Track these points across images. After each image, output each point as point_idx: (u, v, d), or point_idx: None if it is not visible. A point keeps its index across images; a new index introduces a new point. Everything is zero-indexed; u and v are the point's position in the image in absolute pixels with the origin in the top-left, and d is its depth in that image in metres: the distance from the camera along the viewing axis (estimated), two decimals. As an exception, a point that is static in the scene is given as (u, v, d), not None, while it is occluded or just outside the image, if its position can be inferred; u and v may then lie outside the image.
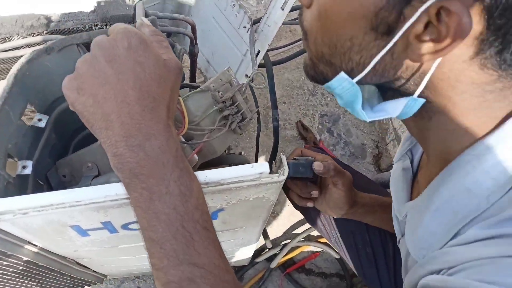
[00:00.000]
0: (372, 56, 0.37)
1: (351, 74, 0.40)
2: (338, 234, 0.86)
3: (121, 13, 0.66)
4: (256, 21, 0.90)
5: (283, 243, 1.32)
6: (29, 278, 0.72)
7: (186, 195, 0.40)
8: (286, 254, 1.28)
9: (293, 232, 1.37)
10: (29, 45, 0.65)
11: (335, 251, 1.27)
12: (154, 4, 1.01)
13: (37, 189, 0.65)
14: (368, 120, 0.43)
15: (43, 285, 0.80)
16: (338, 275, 1.31)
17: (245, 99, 0.66)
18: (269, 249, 1.27)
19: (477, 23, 0.31)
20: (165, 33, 0.76)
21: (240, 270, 1.27)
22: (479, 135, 0.39)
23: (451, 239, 0.42)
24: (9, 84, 0.57)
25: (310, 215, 0.91)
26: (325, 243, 1.30)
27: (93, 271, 0.96)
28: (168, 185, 0.39)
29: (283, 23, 0.84)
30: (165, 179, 0.39)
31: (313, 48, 0.43)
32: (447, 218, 0.42)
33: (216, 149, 0.64)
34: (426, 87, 0.38)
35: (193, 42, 0.77)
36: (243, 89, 0.66)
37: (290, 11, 0.80)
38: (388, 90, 0.43)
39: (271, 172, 0.52)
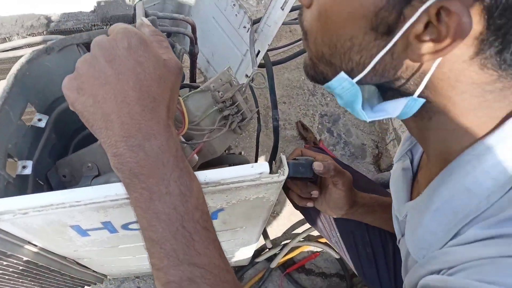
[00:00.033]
0: (372, 56, 0.37)
1: (351, 74, 0.40)
2: (338, 234, 0.86)
3: (121, 13, 0.66)
4: (256, 21, 0.90)
5: (283, 243, 1.32)
6: (29, 278, 0.72)
7: (186, 195, 0.40)
8: (286, 254, 1.28)
9: (293, 232, 1.37)
10: (29, 45, 0.65)
11: (335, 251, 1.27)
12: (154, 4, 1.01)
13: (37, 189, 0.65)
14: (368, 120, 0.43)
15: (43, 285, 0.80)
16: (338, 275, 1.31)
17: (245, 99, 0.66)
18: (269, 249, 1.27)
19: (477, 23, 0.31)
20: (165, 33, 0.76)
21: (240, 270, 1.27)
22: (479, 135, 0.39)
23: (451, 239, 0.42)
24: (9, 84, 0.57)
25: (310, 215, 0.91)
26: (325, 243, 1.30)
27: (93, 271, 0.96)
28: (168, 185, 0.39)
29: (283, 23, 0.84)
30: (165, 179, 0.39)
31: (313, 48, 0.43)
32: (447, 218, 0.42)
33: (216, 149, 0.64)
34: (426, 87, 0.38)
35: (193, 42, 0.77)
36: (243, 89, 0.66)
37: (290, 11, 0.80)
38: (388, 90, 0.43)
39: (271, 172, 0.52)
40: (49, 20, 0.66)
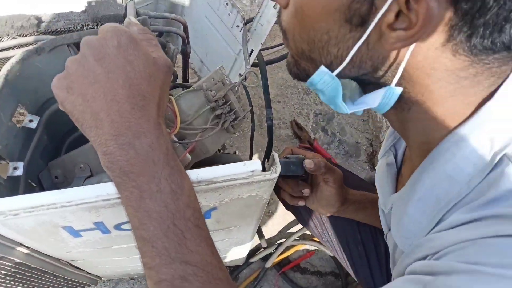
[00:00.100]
0: (348, 48, 0.38)
1: (331, 68, 0.41)
2: (329, 233, 0.87)
3: (112, 13, 0.66)
4: (249, 21, 0.90)
5: (278, 242, 1.32)
6: (22, 281, 0.72)
7: (177, 193, 0.39)
8: (281, 253, 1.28)
9: (288, 231, 1.37)
10: (19, 46, 0.65)
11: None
12: (147, 4, 1.00)
13: (29, 190, 0.65)
14: (349, 111, 0.44)
15: None
16: (333, 273, 1.32)
17: (238, 98, 0.66)
18: (264, 248, 1.27)
19: (446, 9, 0.32)
20: (157, 32, 0.76)
21: (235, 270, 1.27)
22: (457, 122, 0.40)
23: (434, 226, 0.42)
24: (-1, 85, 0.56)
25: (302, 216, 0.91)
26: (319, 242, 1.30)
27: (87, 272, 0.96)
28: (159, 183, 0.39)
29: (276, 22, 0.84)
30: (156, 177, 0.39)
31: (293, 46, 0.44)
32: (430, 206, 0.43)
33: (209, 148, 0.64)
34: (403, 77, 0.39)
35: (185, 41, 0.76)
36: (236, 88, 0.66)
37: (282, 10, 0.80)
38: (368, 85, 0.44)
39: (263, 170, 0.52)
40: (39, 20, 0.65)
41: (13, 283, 0.71)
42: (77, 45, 0.62)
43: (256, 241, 1.26)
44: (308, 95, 1.68)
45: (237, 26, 0.93)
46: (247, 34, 0.88)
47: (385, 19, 0.34)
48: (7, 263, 0.62)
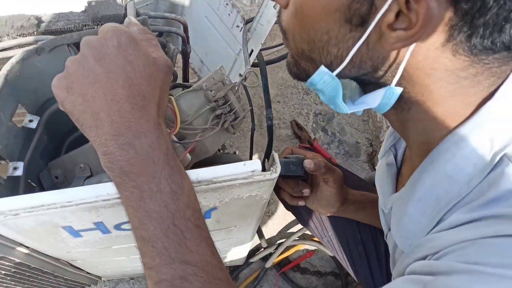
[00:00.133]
0: (348, 48, 0.38)
1: (331, 68, 0.41)
2: (329, 233, 0.87)
3: (112, 13, 0.66)
4: (249, 21, 0.90)
5: (278, 242, 1.32)
6: (22, 281, 0.72)
7: (177, 193, 0.39)
8: (281, 253, 1.28)
9: (288, 231, 1.37)
10: (19, 46, 0.65)
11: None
12: (147, 4, 1.00)
13: (29, 190, 0.65)
14: (349, 111, 0.44)
15: None
16: (333, 273, 1.32)
17: (237, 98, 0.66)
18: (264, 248, 1.27)
19: (445, 9, 0.32)
20: (157, 32, 0.76)
21: (235, 270, 1.27)
22: (457, 122, 0.40)
23: (434, 226, 0.42)
24: (-1, 85, 0.56)
25: (302, 216, 0.91)
26: (319, 242, 1.30)
27: (87, 272, 0.96)
28: (159, 183, 0.39)
29: (276, 22, 0.84)
30: (156, 177, 0.39)
31: (293, 46, 0.44)
32: (430, 206, 0.43)
33: (209, 148, 0.64)
34: (403, 77, 0.39)
35: (185, 41, 0.76)
36: (236, 88, 0.66)
37: (282, 10, 0.80)
38: (368, 85, 0.44)
39: (263, 170, 0.52)
40: (39, 20, 0.65)
41: (13, 283, 0.71)
42: (77, 45, 0.62)
43: (256, 241, 1.26)
44: (308, 95, 1.68)
45: (237, 26, 0.93)
46: (247, 34, 0.88)
47: (385, 19, 0.34)
48: (7, 263, 0.62)
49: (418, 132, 0.45)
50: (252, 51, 0.89)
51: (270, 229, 1.36)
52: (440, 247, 0.38)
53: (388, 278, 0.80)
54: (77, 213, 0.50)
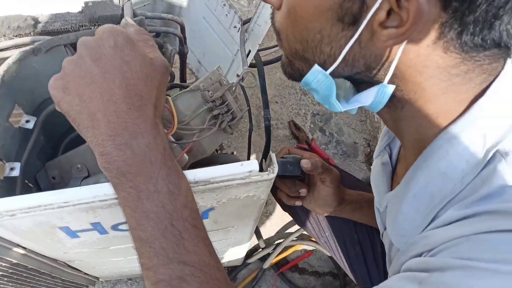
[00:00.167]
0: (341, 46, 0.39)
1: (324, 67, 0.41)
2: (326, 234, 0.87)
3: (109, 14, 0.66)
4: (246, 21, 0.90)
5: (276, 242, 1.32)
6: (19, 282, 0.72)
7: (175, 193, 0.40)
8: (279, 254, 1.28)
9: (286, 231, 1.37)
10: (16, 46, 0.65)
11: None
12: (144, 5, 1.00)
13: (26, 191, 0.65)
14: (343, 109, 0.45)
15: (33, 288, 0.80)
16: (331, 273, 1.32)
17: (235, 99, 0.66)
18: (262, 248, 1.27)
19: (435, 6, 0.32)
20: (154, 33, 0.76)
21: (233, 270, 1.27)
22: (450, 119, 0.40)
23: (429, 223, 0.43)
24: (-5, 85, 0.56)
25: (299, 216, 0.91)
26: (317, 242, 1.30)
27: (85, 273, 0.96)
28: (156, 183, 0.39)
29: (273, 23, 0.84)
30: (153, 177, 0.39)
31: (287, 46, 0.44)
32: (425, 203, 0.43)
33: (206, 148, 0.64)
34: (395, 75, 0.39)
35: (182, 41, 0.76)
36: (233, 88, 0.66)
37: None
38: (362, 84, 0.44)
39: (261, 170, 0.52)
40: (36, 21, 0.65)
41: (10, 284, 0.70)
42: (74, 46, 0.62)
43: (254, 241, 1.26)
44: (306, 96, 1.68)
45: (235, 27, 0.93)
46: (245, 34, 0.88)
47: (376, 18, 0.34)
48: (4, 264, 0.62)
49: (412, 130, 0.45)
50: (249, 51, 0.89)
51: (268, 230, 1.36)
52: (435, 244, 0.38)
53: (385, 278, 0.80)
54: (74, 213, 0.50)
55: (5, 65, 0.58)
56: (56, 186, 0.69)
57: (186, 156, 0.59)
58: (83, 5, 0.68)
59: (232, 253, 1.03)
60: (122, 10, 0.68)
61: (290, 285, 1.27)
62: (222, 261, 1.11)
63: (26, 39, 0.65)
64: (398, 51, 0.36)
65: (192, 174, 0.49)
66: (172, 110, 0.55)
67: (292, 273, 1.31)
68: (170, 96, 0.58)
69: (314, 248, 1.32)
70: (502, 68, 0.39)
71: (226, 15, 0.94)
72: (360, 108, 0.46)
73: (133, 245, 0.40)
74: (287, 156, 0.73)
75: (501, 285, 0.31)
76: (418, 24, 0.33)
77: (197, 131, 0.60)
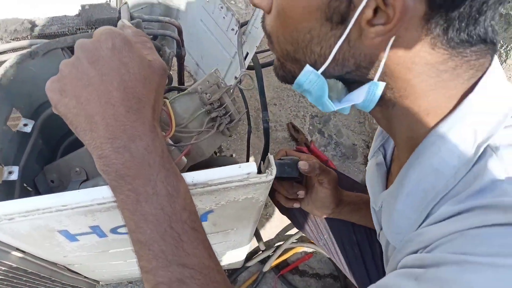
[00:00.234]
0: (331, 46, 0.39)
1: (315, 67, 0.42)
2: (325, 236, 0.87)
3: (106, 17, 0.66)
4: (244, 24, 0.90)
5: (276, 244, 1.32)
6: (18, 285, 0.71)
7: (173, 196, 0.39)
8: (280, 256, 1.28)
9: (286, 233, 1.37)
10: (13, 50, 0.65)
11: (328, 252, 1.27)
12: (142, 8, 1.01)
13: (25, 195, 0.64)
14: (335, 108, 0.45)
15: (33, 293, 0.79)
16: (332, 275, 1.31)
17: (233, 101, 0.66)
18: (262, 251, 1.27)
19: (421, 3, 0.33)
20: (151, 36, 0.76)
21: (233, 273, 1.27)
22: (440, 116, 0.41)
23: (424, 220, 0.43)
24: (-7, 89, 0.56)
25: (297, 219, 0.91)
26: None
27: (85, 277, 0.96)
28: (154, 185, 0.39)
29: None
30: (152, 179, 0.39)
31: (278, 48, 0.45)
32: (419, 200, 0.43)
33: (205, 151, 0.64)
34: (385, 73, 0.40)
35: (179, 44, 0.76)
36: (231, 90, 0.66)
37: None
38: (353, 83, 0.45)
39: (259, 172, 0.52)
40: (33, 24, 0.65)
41: (9, 288, 0.70)
42: (71, 49, 0.62)
43: (254, 244, 1.26)
44: (304, 98, 1.68)
45: (232, 29, 0.93)
46: (242, 37, 0.88)
47: (363, 16, 0.35)
48: (3, 268, 0.62)
49: (404, 128, 0.45)
50: (247, 54, 0.89)
51: (268, 232, 1.36)
52: (430, 241, 0.38)
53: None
54: (72, 217, 0.50)
55: (2, 69, 0.58)
56: (54, 189, 0.69)
57: (184, 159, 0.59)
58: (80, 8, 0.68)
59: (232, 255, 1.03)
60: (119, 13, 0.68)
61: None
62: (222, 263, 1.11)
63: (23, 43, 0.65)
64: (387, 48, 0.37)
65: (190, 177, 0.49)
66: (170, 113, 0.55)
67: (293, 275, 1.30)
68: (168, 99, 0.58)
69: (314, 250, 1.31)
70: (490, 64, 0.39)
71: (224, 17, 0.95)
72: (358, 110, 0.46)
73: (132, 248, 0.40)
74: (284, 158, 0.73)
75: (495, 278, 0.31)
76: (404, 21, 0.34)
77: (195, 133, 0.60)
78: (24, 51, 0.60)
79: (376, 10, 0.34)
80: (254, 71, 0.89)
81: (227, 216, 0.65)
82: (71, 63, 0.39)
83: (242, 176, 0.51)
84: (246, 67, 0.86)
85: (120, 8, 0.67)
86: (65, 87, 0.39)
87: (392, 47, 0.37)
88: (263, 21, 0.46)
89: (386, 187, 0.58)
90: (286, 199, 0.77)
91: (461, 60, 0.38)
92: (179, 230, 0.39)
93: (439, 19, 0.34)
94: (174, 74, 0.83)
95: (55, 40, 0.60)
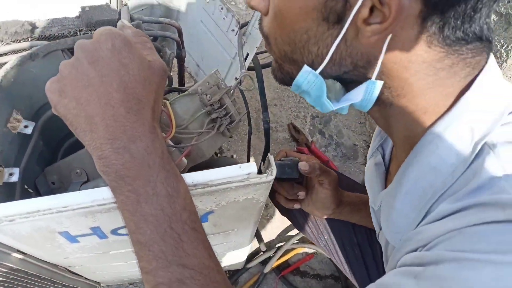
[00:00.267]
0: (328, 45, 0.39)
1: (313, 67, 0.42)
2: (325, 237, 0.87)
3: (106, 18, 0.66)
4: (244, 24, 0.90)
5: (277, 245, 1.32)
6: (19, 287, 0.71)
7: (173, 196, 0.39)
8: (281, 257, 1.27)
9: (287, 234, 1.37)
10: (13, 52, 0.65)
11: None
12: (142, 9, 1.01)
13: (26, 196, 0.64)
14: (334, 108, 0.45)
15: (34, 294, 0.79)
16: (333, 276, 1.31)
17: (233, 102, 0.66)
18: (263, 252, 1.27)
19: (416, 1, 0.33)
20: (151, 37, 0.76)
21: (234, 274, 1.27)
22: (438, 114, 0.41)
23: (423, 219, 0.43)
24: (-6, 91, 0.56)
25: (297, 220, 0.91)
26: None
27: (86, 278, 0.95)
28: (154, 186, 0.39)
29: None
30: (152, 180, 0.39)
31: (276, 49, 0.45)
32: (417, 199, 0.43)
33: (205, 152, 0.64)
34: (382, 73, 0.40)
35: (180, 45, 0.77)
36: (231, 91, 0.66)
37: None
38: (351, 83, 0.45)
39: (259, 172, 0.52)
40: (33, 26, 0.65)
41: (10, 290, 0.70)
42: (71, 51, 0.62)
43: (255, 245, 1.26)
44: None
45: (232, 30, 0.93)
46: (242, 38, 0.88)
47: (360, 15, 0.35)
48: (4, 270, 0.61)
49: (402, 127, 0.45)
50: (247, 54, 0.89)
51: (269, 233, 1.36)
52: (429, 239, 0.38)
53: (385, 279, 0.80)
54: (73, 218, 0.50)
55: (2, 71, 0.58)
56: (55, 191, 0.69)
57: (185, 160, 0.59)
58: (80, 10, 0.68)
59: (233, 256, 1.03)
60: (119, 14, 0.68)
61: (291, 288, 1.26)
62: (223, 264, 1.11)
63: (24, 44, 0.65)
64: (383, 47, 0.37)
65: (191, 177, 0.49)
66: (170, 114, 0.55)
67: (294, 276, 1.30)
68: (168, 100, 0.58)
69: (315, 251, 1.31)
70: (486, 61, 0.40)
71: (224, 18, 0.95)
72: (358, 110, 0.46)
73: (133, 249, 0.40)
74: (284, 158, 0.73)
75: (493, 274, 0.31)
76: (400, 19, 0.34)
77: (196, 134, 0.60)
78: (25, 53, 0.60)
79: (372, 9, 0.35)
80: (254, 72, 0.90)
81: (228, 216, 0.65)
82: (70, 63, 0.39)
83: (242, 177, 0.51)
84: (246, 68, 0.86)
85: (120, 9, 0.67)
86: (65, 88, 0.39)
87: (389, 45, 0.37)
88: (260, 23, 0.46)
89: (385, 186, 0.58)
90: (286, 200, 0.77)
91: (458, 58, 0.38)
92: (179, 230, 0.39)
93: (435, 17, 0.34)
94: (174, 75, 0.83)
95: (56, 42, 0.60)
